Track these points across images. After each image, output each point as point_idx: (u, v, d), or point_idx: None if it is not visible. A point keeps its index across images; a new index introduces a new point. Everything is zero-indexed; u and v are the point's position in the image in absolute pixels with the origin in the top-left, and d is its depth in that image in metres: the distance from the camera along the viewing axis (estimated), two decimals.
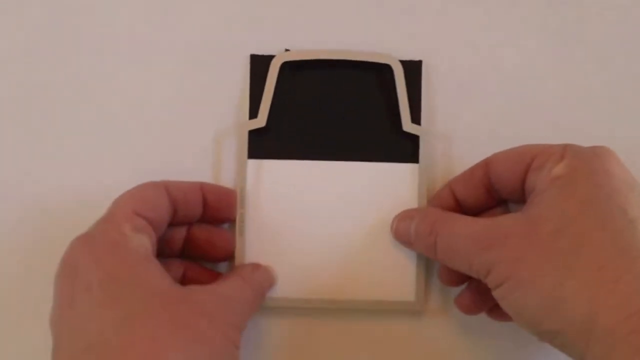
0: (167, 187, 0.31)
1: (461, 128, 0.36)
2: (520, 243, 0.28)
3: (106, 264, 0.28)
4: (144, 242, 0.29)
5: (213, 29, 0.36)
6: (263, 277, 0.33)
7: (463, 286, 0.34)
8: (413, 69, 0.35)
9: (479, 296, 0.33)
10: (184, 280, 0.33)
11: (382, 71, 0.35)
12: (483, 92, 0.36)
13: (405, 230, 0.33)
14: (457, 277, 0.33)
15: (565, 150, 0.29)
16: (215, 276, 0.34)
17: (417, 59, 0.35)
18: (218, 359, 0.28)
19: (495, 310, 0.33)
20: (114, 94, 0.35)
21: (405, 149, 0.35)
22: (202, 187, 0.33)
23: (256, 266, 0.34)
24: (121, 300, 0.27)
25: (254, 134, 0.34)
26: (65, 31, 0.35)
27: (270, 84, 0.34)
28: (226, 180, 0.35)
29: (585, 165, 0.29)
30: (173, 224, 0.32)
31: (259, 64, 0.35)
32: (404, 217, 0.34)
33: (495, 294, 0.29)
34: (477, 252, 0.29)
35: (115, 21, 0.35)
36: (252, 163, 0.34)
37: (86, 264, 0.28)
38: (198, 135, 0.35)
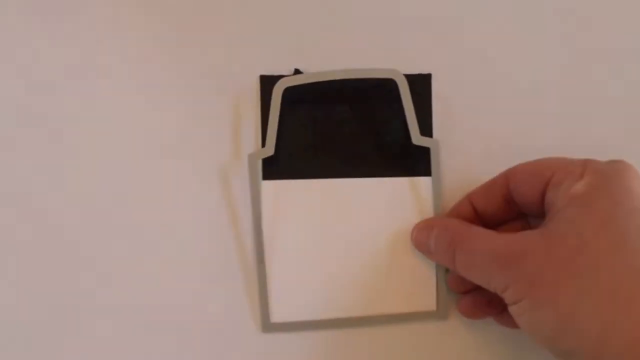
0: None
1: (478, 140, 0.36)
2: (537, 262, 0.28)
3: None
4: None
5: (222, 50, 0.35)
6: None
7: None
8: (422, 82, 0.35)
9: (482, 301, 0.34)
10: None
11: (390, 86, 0.34)
12: (499, 104, 0.36)
13: (425, 240, 0.34)
14: (466, 285, 0.34)
15: (584, 167, 0.29)
16: None
17: (429, 72, 0.35)
18: None
19: (502, 316, 0.34)
20: (120, 118, 0.35)
21: (417, 162, 0.35)
22: None
23: None
24: None
25: (265, 157, 0.34)
26: (69, 58, 0.35)
27: (274, 111, 0.34)
28: (240, 205, 0.35)
29: (604, 183, 0.28)
30: None
31: (269, 84, 0.34)
32: (424, 226, 0.34)
33: (512, 310, 0.29)
34: (496, 270, 0.29)
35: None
36: (266, 185, 0.34)
37: None
38: (209, 160, 0.35)
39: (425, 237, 0.34)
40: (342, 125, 0.35)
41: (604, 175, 0.29)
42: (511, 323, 0.31)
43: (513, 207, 0.33)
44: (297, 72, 0.35)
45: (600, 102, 0.36)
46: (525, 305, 0.28)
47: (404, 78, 0.34)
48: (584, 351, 0.27)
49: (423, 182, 0.35)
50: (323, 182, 0.35)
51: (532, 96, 0.36)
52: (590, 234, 0.28)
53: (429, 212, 0.35)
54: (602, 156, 0.30)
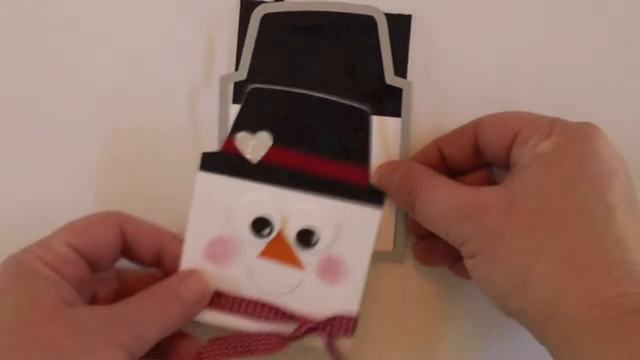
0: (122, 225, 0.31)
1: (453, 87, 0.35)
2: (497, 218, 0.28)
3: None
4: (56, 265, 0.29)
5: None
6: (192, 290, 0.31)
7: None
8: (402, 22, 0.35)
9: (437, 249, 0.34)
10: (118, 292, 0.33)
11: (369, 24, 0.34)
12: (479, 52, 0.36)
13: (387, 182, 0.33)
14: (424, 230, 0.33)
15: (553, 126, 0.29)
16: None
17: (409, 13, 0.35)
18: None
19: (455, 265, 0.34)
20: (92, 40, 0.35)
21: (390, 102, 0.34)
22: (160, 236, 0.32)
23: (187, 275, 0.31)
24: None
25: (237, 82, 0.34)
26: None
27: (250, 36, 0.33)
28: (206, 127, 0.35)
29: (571, 145, 0.28)
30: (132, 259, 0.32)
31: (249, 9, 0.34)
32: (388, 168, 0.34)
33: (467, 264, 0.29)
34: (455, 222, 0.29)
35: None
36: (236, 108, 0.34)
37: None
38: (181, 86, 0.35)
39: (387, 179, 0.33)
40: (318, 58, 0.35)
41: (572, 137, 0.28)
42: (465, 274, 0.31)
43: (480, 156, 0.33)
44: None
45: (581, 59, 0.36)
46: (480, 260, 0.28)
47: (383, 16, 0.34)
48: (533, 312, 0.27)
49: (392, 122, 0.35)
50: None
51: (513, 47, 0.36)
52: (552, 195, 0.27)
53: (395, 153, 0.35)
54: (574, 115, 0.30)
